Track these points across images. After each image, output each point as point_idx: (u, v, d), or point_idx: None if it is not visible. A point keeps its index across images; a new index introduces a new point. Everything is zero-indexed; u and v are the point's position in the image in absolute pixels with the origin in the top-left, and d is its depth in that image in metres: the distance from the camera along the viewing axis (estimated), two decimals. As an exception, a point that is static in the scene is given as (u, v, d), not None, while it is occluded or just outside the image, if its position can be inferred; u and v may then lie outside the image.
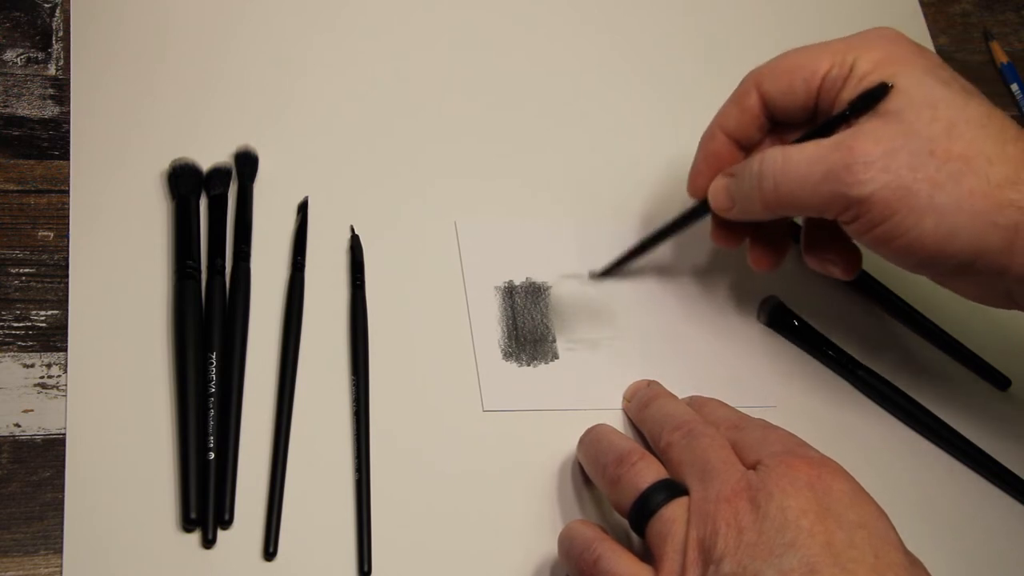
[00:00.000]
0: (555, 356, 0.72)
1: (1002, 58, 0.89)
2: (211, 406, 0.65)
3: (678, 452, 0.62)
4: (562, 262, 0.75)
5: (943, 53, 0.89)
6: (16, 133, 0.72)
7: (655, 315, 0.75)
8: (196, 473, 0.64)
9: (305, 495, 0.65)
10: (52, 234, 0.70)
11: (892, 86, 0.64)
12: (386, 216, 0.74)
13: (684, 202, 0.73)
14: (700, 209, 0.71)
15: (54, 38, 0.76)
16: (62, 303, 0.68)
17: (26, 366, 0.66)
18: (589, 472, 0.67)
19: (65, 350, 0.66)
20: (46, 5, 0.77)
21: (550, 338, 0.73)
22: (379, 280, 0.72)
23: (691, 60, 0.85)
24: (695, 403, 0.68)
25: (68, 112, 0.73)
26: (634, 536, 0.62)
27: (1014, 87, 0.88)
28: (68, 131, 0.73)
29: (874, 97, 0.64)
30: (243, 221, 0.71)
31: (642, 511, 0.60)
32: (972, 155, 0.62)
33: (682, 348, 0.74)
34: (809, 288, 0.77)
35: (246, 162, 0.73)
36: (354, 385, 0.68)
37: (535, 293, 0.74)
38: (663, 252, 0.76)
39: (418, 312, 0.72)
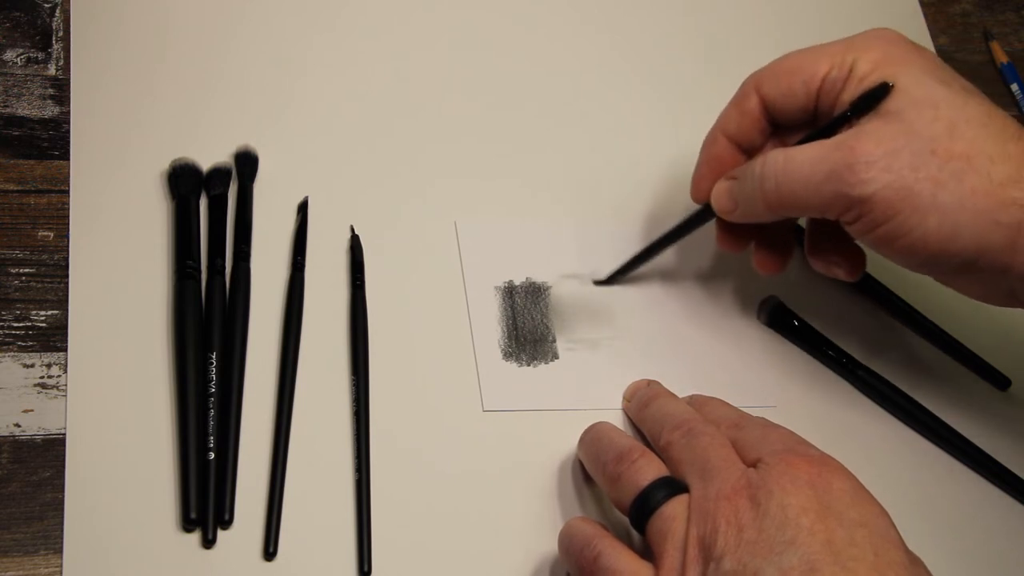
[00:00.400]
0: (555, 356, 0.72)
1: (1002, 58, 0.90)
2: (211, 406, 0.65)
3: (678, 451, 0.63)
4: (562, 262, 0.75)
5: (943, 53, 0.89)
6: (16, 133, 0.72)
7: (655, 315, 0.75)
8: (196, 473, 0.64)
9: (305, 495, 0.65)
10: (52, 234, 0.70)
11: (893, 86, 0.64)
12: (386, 216, 0.74)
13: (686, 203, 0.73)
14: (704, 213, 0.71)
15: (54, 38, 0.76)
16: (62, 303, 0.68)
17: (26, 366, 0.66)
18: (589, 470, 0.67)
19: (65, 350, 0.66)
20: (46, 5, 0.77)
21: (550, 338, 0.73)
22: (379, 280, 0.72)
23: (691, 60, 0.85)
24: (695, 402, 0.68)
25: (68, 112, 0.73)
26: (634, 534, 0.62)
27: (1014, 87, 0.88)
28: (68, 131, 0.73)
29: (875, 97, 0.64)
30: (243, 221, 0.71)
31: (642, 508, 0.60)
32: (974, 154, 0.62)
33: (682, 348, 0.74)
34: (809, 288, 0.77)
35: (246, 162, 0.73)
36: (354, 385, 0.68)
37: (535, 293, 0.74)
38: (663, 253, 0.76)
39: (418, 312, 0.72)
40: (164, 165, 0.72)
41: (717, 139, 0.70)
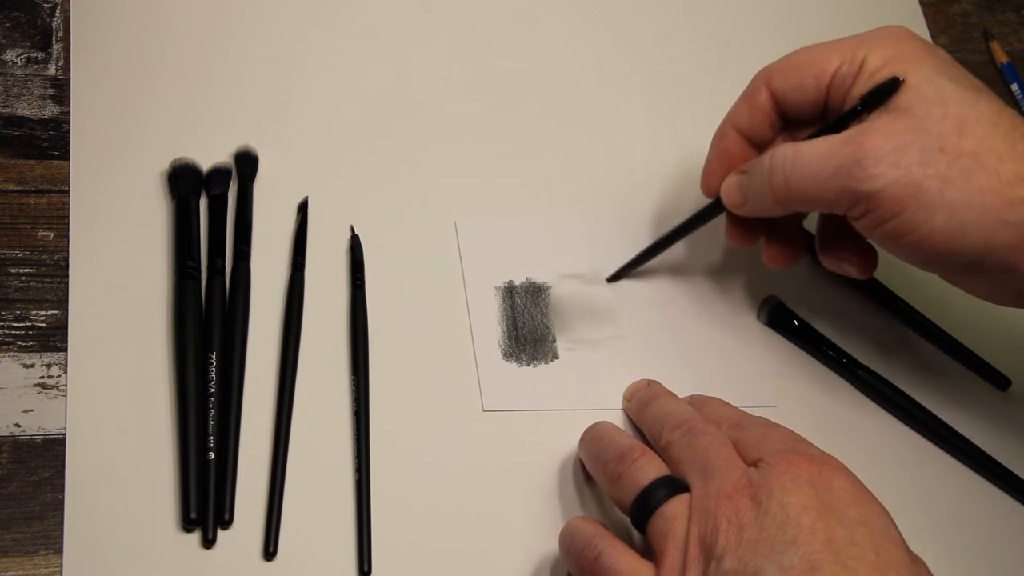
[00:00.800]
0: (555, 356, 0.72)
1: (1002, 58, 0.89)
2: (211, 406, 0.65)
3: (679, 450, 0.63)
4: (562, 262, 0.75)
5: (943, 53, 0.89)
6: (16, 133, 0.72)
7: (655, 315, 0.75)
8: (196, 473, 0.64)
9: (305, 495, 0.65)
10: (52, 234, 0.70)
11: (903, 81, 0.64)
12: (386, 216, 0.74)
13: (686, 202, 0.73)
14: (714, 207, 0.71)
15: (54, 38, 0.76)
16: (62, 303, 0.68)
17: (26, 366, 0.66)
18: (590, 469, 0.67)
19: (65, 350, 0.66)
20: (46, 5, 0.77)
21: (550, 338, 0.73)
22: (379, 280, 0.72)
23: (691, 60, 0.85)
24: (696, 402, 0.68)
25: (68, 112, 0.73)
26: (635, 533, 0.62)
27: (1014, 87, 0.88)
28: (68, 131, 0.73)
29: (885, 92, 0.64)
30: (243, 221, 0.71)
31: (643, 508, 0.60)
32: (982, 152, 0.62)
33: (682, 348, 0.74)
34: (809, 288, 0.77)
35: (246, 162, 0.73)
36: (354, 385, 0.68)
37: (535, 293, 0.74)
38: (665, 252, 0.76)
39: (418, 312, 0.72)
40: (164, 165, 0.72)
41: (727, 133, 0.70)
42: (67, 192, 0.71)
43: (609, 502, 0.66)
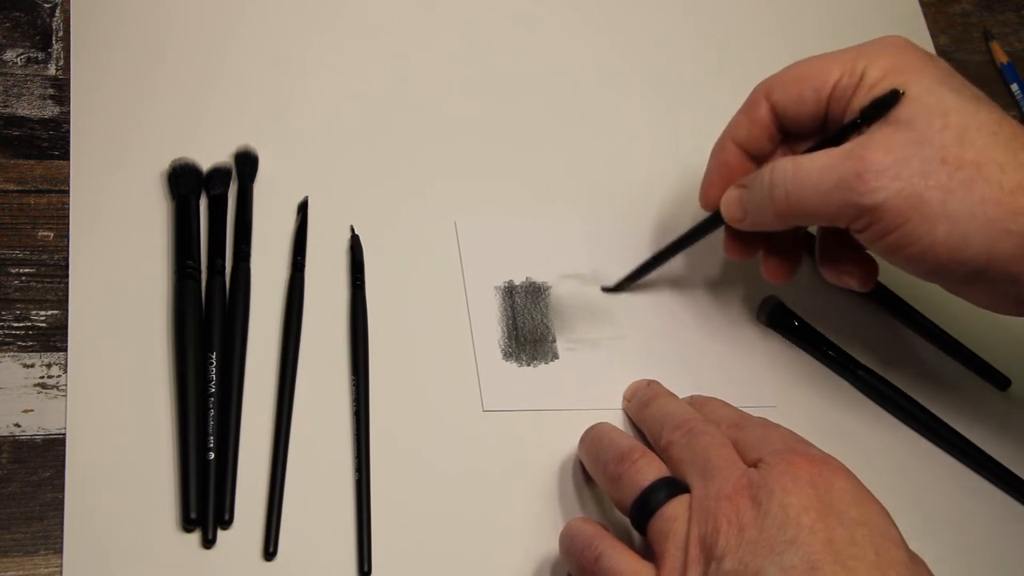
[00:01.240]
0: (555, 356, 0.72)
1: (1002, 58, 0.89)
2: (211, 406, 0.65)
3: (679, 451, 0.63)
4: (562, 262, 0.75)
5: (943, 53, 0.88)
6: (16, 133, 0.72)
7: (655, 315, 0.75)
8: (196, 473, 0.64)
9: (305, 495, 0.65)
10: (52, 234, 0.70)
11: (903, 93, 0.64)
12: (386, 216, 0.74)
13: (687, 202, 0.73)
14: (713, 221, 0.71)
15: (54, 38, 0.76)
16: (62, 303, 0.68)
17: (26, 366, 0.66)
18: (590, 470, 0.67)
19: (65, 350, 0.66)
20: (46, 5, 0.77)
21: (550, 338, 0.73)
22: (379, 280, 0.72)
23: (691, 60, 0.85)
24: (696, 402, 0.68)
25: (68, 112, 0.73)
26: (635, 534, 0.62)
27: (1014, 87, 0.88)
28: (68, 131, 0.73)
29: (885, 104, 0.64)
30: (243, 221, 0.71)
31: (643, 509, 0.60)
32: (984, 162, 0.62)
33: (682, 348, 0.74)
34: (809, 288, 0.77)
35: (246, 162, 0.73)
36: (354, 385, 0.68)
37: (535, 293, 0.74)
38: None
39: (418, 312, 0.72)
40: (164, 165, 0.72)
41: (726, 146, 0.70)
42: (67, 192, 0.71)
43: (609, 503, 0.66)
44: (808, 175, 0.65)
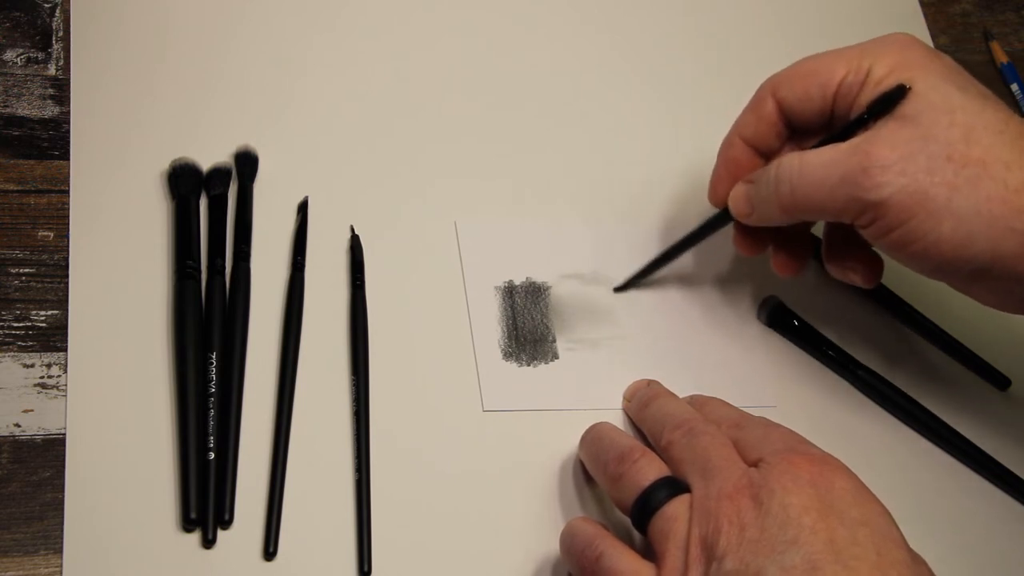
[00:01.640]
0: (555, 356, 0.72)
1: (1002, 58, 0.89)
2: (211, 406, 0.65)
3: (679, 450, 0.62)
4: (562, 262, 0.75)
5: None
6: (16, 133, 0.72)
7: (655, 315, 0.75)
8: (196, 473, 0.64)
9: (305, 495, 0.65)
10: (52, 234, 0.70)
11: (909, 88, 0.64)
12: (386, 216, 0.74)
13: (698, 203, 0.73)
14: (721, 217, 0.71)
15: (54, 38, 0.76)
16: (62, 303, 0.68)
17: (26, 366, 0.66)
18: (591, 470, 0.67)
19: (65, 350, 0.66)
20: (46, 5, 0.77)
21: (550, 338, 0.73)
22: (379, 280, 0.72)
23: (691, 60, 0.85)
24: (696, 402, 0.68)
25: (68, 112, 0.73)
26: (636, 534, 0.62)
27: (1014, 87, 0.88)
28: (68, 131, 0.73)
29: (892, 99, 0.64)
30: (243, 221, 0.71)
31: (644, 508, 0.60)
32: (990, 160, 0.62)
33: (682, 348, 0.74)
34: (809, 288, 0.77)
35: (246, 162, 0.73)
36: (354, 385, 0.68)
37: (535, 293, 0.74)
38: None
39: (418, 312, 0.72)
40: (164, 165, 0.72)
41: (734, 143, 0.70)
42: (67, 192, 0.71)
43: (609, 503, 0.66)
44: (814, 170, 0.65)
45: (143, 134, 0.73)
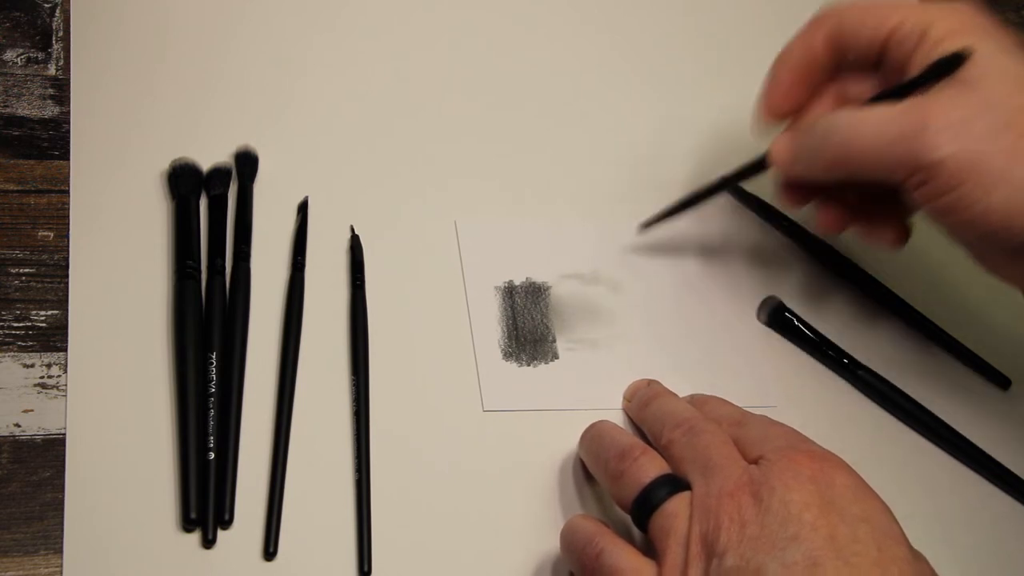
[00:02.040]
0: (555, 356, 0.72)
1: (1002, 58, 0.89)
2: (211, 406, 0.65)
3: (679, 448, 0.62)
4: (562, 262, 0.75)
5: (943, 53, 0.88)
6: (16, 133, 0.72)
7: (655, 315, 0.75)
8: (196, 473, 0.63)
9: (305, 495, 0.65)
10: (52, 234, 0.70)
11: (970, 54, 0.63)
12: (386, 216, 0.74)
13: (696, 208, 0.73)
14: (757, 165, 0.70)
15: (54, 38, 0.76)
16: (62, 303, 0.68)
17: (26, 366, 0.66)
18: (591, 468, 0.67)
19: (65, 350, 0.66)
20: (46, 5, 0.77)
21: (550, 338, 0.73)
22: (379, 280, 0.72)
23: (691, 60, 0.85)
24: (696, 401, 0.68)
25: (68, 112, 0.73)
26: (636, 532, 0.62)
27: (1014, 87, 0.88)
28: (68, 131, 0.73)
29: (952, 64, 0.63)
30: (243, 221, 0.71)
31: (644, 506, 0.60)
32: None
33: (682, 348, 0.74)
34: (809, 288, 0.77)
35: (246, 162, 0.73)
36: (354, 385, 0.68)
37: (535, 293, 0.74)
38: (664, 252, 0.76)
39: (418, 312, 0.72)
40: (164, 165, 0.72)
41: (791, 55, 0.69)
42: (67, 192, 0.71)
43: (610, 502, 0.66)
44: (868, 125, 0.64)
45: (143, 134, 0.73)
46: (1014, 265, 0.65)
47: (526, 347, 0.72)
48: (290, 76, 0.78)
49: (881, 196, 0.68)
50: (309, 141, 0.76)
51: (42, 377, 0.66)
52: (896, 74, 0.66)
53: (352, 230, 0.73)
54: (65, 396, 0.65)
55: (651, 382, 0.71)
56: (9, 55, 0.75)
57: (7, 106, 0.73)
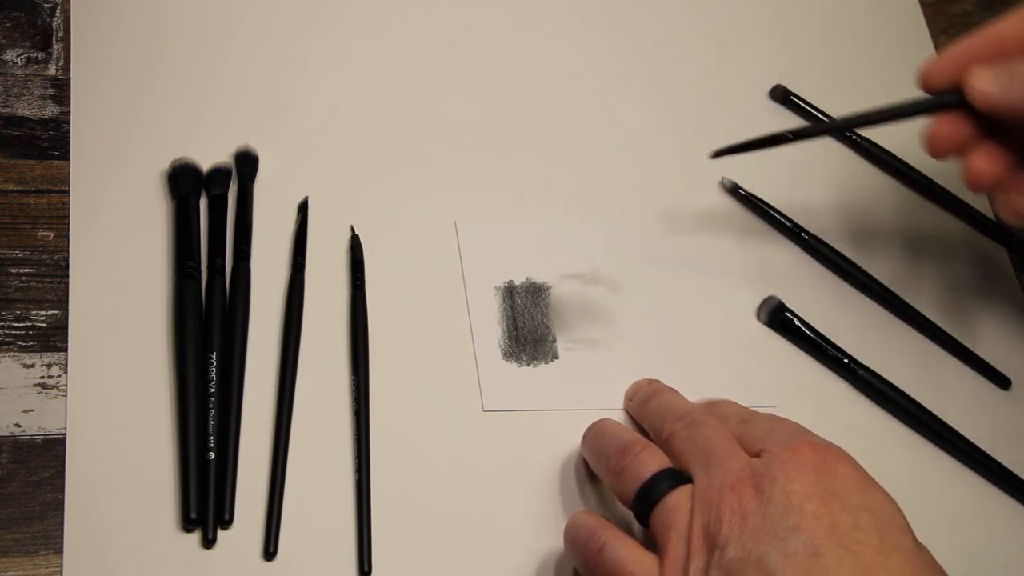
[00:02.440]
0: (555, 356, 0.72)
1: (1002, 58, 0.89)
2: (211, 406, 0.65)
3: (680, 442, 0.62)
4: (562, 262, 0.75)
5: (943, 53, 0.88)
6: (16, 133, 0.72)
7: (655, 315, 0.75)
8: (196, 473, 0.64)
9: (305, 495, 0.65)
10: (52, 234, 0.70)
11: None
12: (386, 216, 0.74)
13: (696, 208, 0.72)
14: (935, 103, 0.65)
15: (54, 38, 0.76)
16: (62, 303, 0.68)
17: (26, 366, 0.66)
18: (593, 465, 0.67)
19: (65, 350, 0.66)
20: (46, 5, 0.77)
21: (550, 338, 0.73)
22: (379, 280, 0.72)
23: (691, 60, 0.84)
24: (707, 405, 0.68)
25: (68, 112, 0.73)
26: (638, 527, 0.62)
27: (1014, 87, 0.88)
28: (68, 131, 0.73)
29: None
30: (243, 221, 0.71)
31: (646, 500, 0.60)
32: None
33: (682, 348, 0.74)
34: (809, 288, 0.77)
35: (246, 162, 0.73)
36: (354, 385, 0.68)
37: (535, 293, 0.74)
38: (663, 252, 0.76)
39: (418, 312, 0.72)
40: (164, 165, 0.72)
41: (984, 35, 0.67)
42: (67, 192, 0.71)
43: (611, 501, 0.66)
44: None
45: (143, 134, 0.73)
46: None
47: (526, 347, 0.72)
48: (290, 76, 0.78)
49: None
50: (309, 141, 0.76)
51: (42, 377, 0.66)
52: None
53: (352, 230, 0.73)
54: (65, 396, 0.65)
55: (652, 381, 0.71)
56: (9, 55, 0.75)
57: (7, 106, 0.73)
